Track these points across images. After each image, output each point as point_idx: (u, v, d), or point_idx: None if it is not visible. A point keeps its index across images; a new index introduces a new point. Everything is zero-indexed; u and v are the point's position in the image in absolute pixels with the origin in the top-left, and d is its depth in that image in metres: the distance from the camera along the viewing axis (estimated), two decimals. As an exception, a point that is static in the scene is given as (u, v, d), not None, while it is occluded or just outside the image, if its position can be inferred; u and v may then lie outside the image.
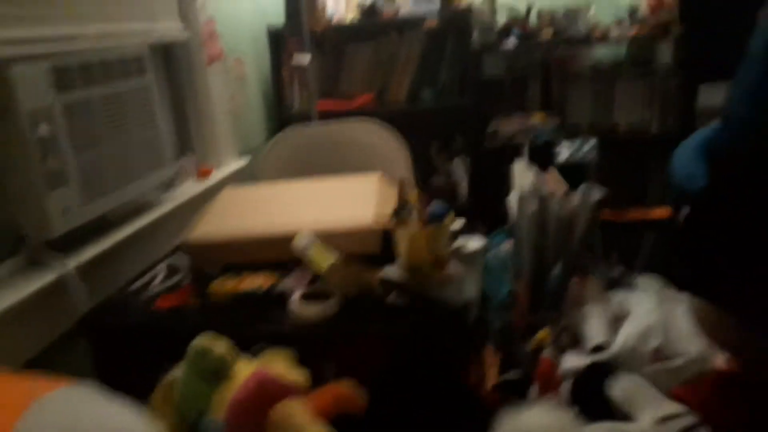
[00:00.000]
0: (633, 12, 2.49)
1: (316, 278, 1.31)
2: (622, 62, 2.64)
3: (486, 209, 2.53)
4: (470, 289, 1.29)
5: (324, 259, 1.19)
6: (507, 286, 1.65)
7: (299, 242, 1.21)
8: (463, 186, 2.81)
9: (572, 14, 2.49)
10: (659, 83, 2.56)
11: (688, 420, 0.59)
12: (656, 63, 2.61)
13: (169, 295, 1.39)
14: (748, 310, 0.57)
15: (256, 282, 1.30)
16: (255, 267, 1.36)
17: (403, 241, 1.21)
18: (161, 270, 1.53)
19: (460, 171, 2.83)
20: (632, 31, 2.48)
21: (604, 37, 2.50)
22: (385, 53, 2.73)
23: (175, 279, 1.46)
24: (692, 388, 0.66)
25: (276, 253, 1.32)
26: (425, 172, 2.86)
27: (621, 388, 0.80)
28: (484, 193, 2.68)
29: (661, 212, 2.60)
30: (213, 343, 1.05)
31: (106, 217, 1.71)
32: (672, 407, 0.62)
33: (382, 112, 2.60)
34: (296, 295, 1.24)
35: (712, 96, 2.60)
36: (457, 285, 1.29)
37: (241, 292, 1.29)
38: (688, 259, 0.65)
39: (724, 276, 0.58)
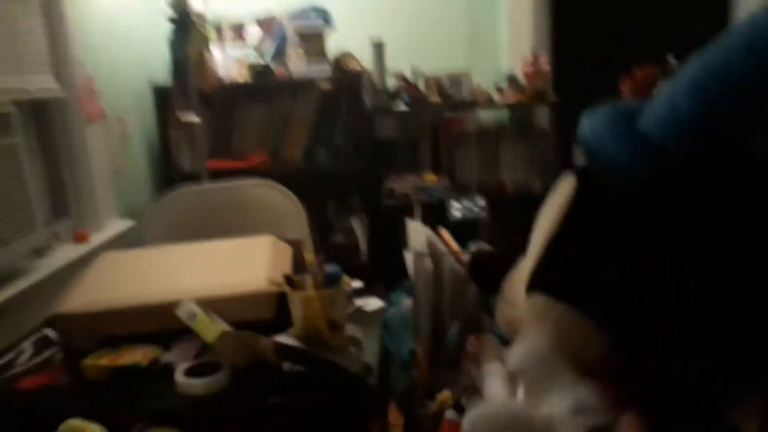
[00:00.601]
0: (512, 79, 2.66)
1: (204, 349, 1.22)
2: (505, 125, 2.80)
3: (386, 266, 2.53)
4: (370, 351, 1.25)
5: (210, 330, 1.11)
6: (408, 345, 1.63)
7: (182, 312, 1.13)
8: (362, 244, 2.80)
9: (456, 80, 2.62)
10: (539, 145, 2.72)
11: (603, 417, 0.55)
12: (535, 126, 2.78)
13: (36, 374, 1.24)
14: (624, 326, 0.54)
15: (135, 356, 1.19)
16: (135, 339, 1.24)
17: (297, 305, 1.16)
18: (27, 346, 1.37)
19: (358, 229, 2.83)
20: (512, 98, 2.64)
21: (487, 103, 2.65)
22: (279, 113, 2.72)
23: (44, 356, 1.31)
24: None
25: (157, 324, 1.22)
26: (323, 231, 2.84)
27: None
28: (382, 250, 2.69)
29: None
30: (84, 428, 0.94)
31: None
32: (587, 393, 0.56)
33: (276, 171, 2.56)
34: (181, 369, 1.15)
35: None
36: (356, 348, 1.25)
37: (119, 367, 1.17)
38: (568, 255, 0.59)
39: (606, 283, 0.55)
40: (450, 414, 1.23)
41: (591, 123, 0.59)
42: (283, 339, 1.18)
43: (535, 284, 0.59)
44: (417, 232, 1.54)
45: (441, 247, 1.47)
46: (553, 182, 2.64)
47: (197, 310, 1.15)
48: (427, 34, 2.87)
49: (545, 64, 2.63)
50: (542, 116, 2.81)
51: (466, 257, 1.40)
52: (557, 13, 2.92)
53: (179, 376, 1.14)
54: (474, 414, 0.51)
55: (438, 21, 2.87)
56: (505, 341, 1.36)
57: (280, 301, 1.25)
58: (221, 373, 1.13)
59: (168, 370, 1.17)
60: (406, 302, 1.70)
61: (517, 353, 0.56)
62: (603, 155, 0.54)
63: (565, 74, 2.82)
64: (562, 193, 0.60)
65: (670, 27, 2.98)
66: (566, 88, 2.66)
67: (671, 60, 2.57)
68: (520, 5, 2.79)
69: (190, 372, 1.15)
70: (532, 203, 2.76)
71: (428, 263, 1.40)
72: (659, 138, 0.53)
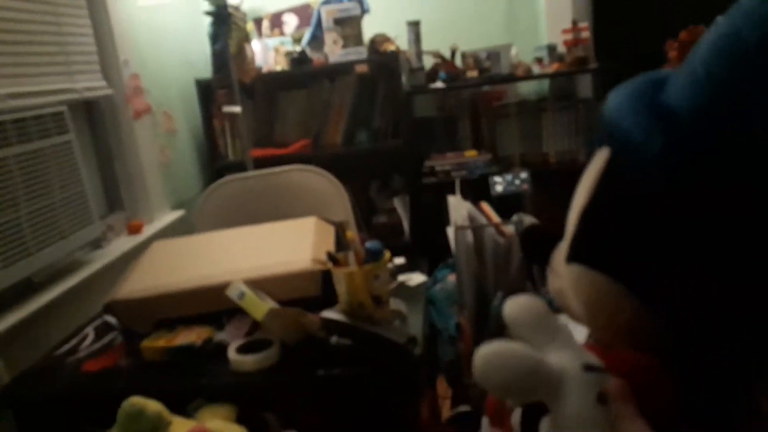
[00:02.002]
0: (552, 49, 2.61)
1: (255, 327, 1.26)
2: (546, 97, 2.75)
3: (429, 244, 2.54)
4: (414, 324, 1.27)
5: (259, 307, 1.15)
6: (454, 319, 1.64)
7: (231, 292, 1.17)
8: (406, 223, 2.82)
9: (494, 55, 2.59)
10: (582, 114, 2.67)
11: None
12: (577, 96, 2.72)
13: (99, 357, 1.31)
14: (661, 297, 0.54)
15: (190, 336, 1.25)
16: (189, 321, 1.30)
17: (341, 281, 1.19)
18: (90, 332, 1.44)
19: (401, 209, 2.85)
20: (552, 68, 2.59)
21: (526, 75, 2.60)
22: (318, 99, 2.75)
23: (105, 340, 1.39)
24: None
25: (209, 305, 1.27)
26: (367, 212, 2.87)
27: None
28: (426, 228, 2.70)
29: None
30: (144, 405, 0.99)
31: (30, 280, 1.62)
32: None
33: (319, 156, 2.60)
34: (233, 347, 1.19)
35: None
36: (401, 321, 1.27)
37: (175, 347, 1.23)
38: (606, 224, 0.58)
39: (643, 256, 0.54)
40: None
41: (614, 97, 0.58)
42: (330, 314, 1.21)
43: (572, 255, 0.59)
44: (457, 207, 1.54)
45: (482, 219, 1.47)
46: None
47: (246, 289, 1.19)
48: (464, 12, 2.84)
49: (586, 31, 2.57)
50: (584, 84, 2.74)
51: (507, 229, 1.40)
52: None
53: (232, 354, 1.18)
54: (487, 350, 0.50)
55: (474, -1, 2.84)
56: (555, 308, 1.36)
57: (325, 278, 1.28)
58: (271, 349, 1.17)
59: (221, 348, 1.22)
60: (451, 278, 1.71)
61: (512, 305, 0.56)
62: (619, 131, 0.53)
63: (607, 41, 2.74)
64: (595, 164, 0.59)
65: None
66: (609, 55, 2.59)
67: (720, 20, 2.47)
68: (557, -27, 2.72)
69: (242, 349, 1.20)
70: (576, 174, 2.74)
71: (469, 236, 1.40)
72: (678, 108, 0.51)
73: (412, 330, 1.25)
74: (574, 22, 2.59)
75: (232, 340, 1.24)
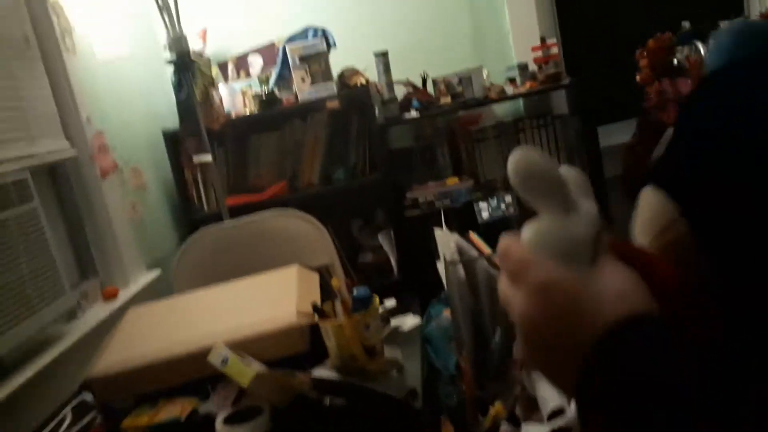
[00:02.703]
0: (523, 68, 2.59)
1: (243, 393, 1.18)
2: (522, 116, 2.72)
3: (420, 279, 2.47)
4: (412, 372, 1.20)
5: (244, 373, 1.06)
6: (453, 357, 1.57)
7: (214, 358, 1.09)
8: (393, 260, 2.75)
9: (466, 79, 2.56)
10: (560, 131, 2.64)
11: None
12: (553, 112, 2.70)
13: (78, 441, 1.22)
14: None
15: (174, 410, 1.15)
16: (172, 392, 1.21)
17: (330, 334, 1.11)
18: (68, 414, 1.34)
19: (386, 245, 2.78)
20: (526, 87, 2.57)
21: (500, 96, 2.58)
22: (291, 140, 2.70)
23: (84, 422, 1.29)
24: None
25: (192, 373, 1.18)
26: (351, 252, 2.80)
27: None
28: (414, 263, 2.64)
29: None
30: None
31: (1, 361, 1.52)
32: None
33: (296, 198, 2.54)
34: (221, 418, 1.10)
35: (611, 137, 2.72)
36: (398, 371, 1.19)
37: (158, 424, 1.14)
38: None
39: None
40: (505, 428, 1.16)
41: (720, 38, 0.57)
42: (320, 372, 1.13)
43: (652, 176, 0.56)
44: (444, 240, 1.48)
45: (471, 251, 1.41)
46: (578, 167, 2.58)
47: (229, 354, 1.11)
48: (430, 38, 2.82)
49: (555, 47, 2.55)
50: (558, 100, 2.73)
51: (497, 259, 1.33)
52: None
53: (219, 426, 1.09)
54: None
55: (440, 24, 2.82)
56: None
57: (313, 331, 1.21)
58: (261, 418, 1.09)
59: (208, 420, 1.13)
60: (446, 313, 1.64)
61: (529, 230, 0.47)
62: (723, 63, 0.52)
63: (576, 55, 2.74)
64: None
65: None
66: (579, 69, 2.58)
67: (686, 25, 2.48)
68: (520, -7, 2.72)
69: (230, 420, 1.11)
70: (561, 192, 2.72)
71: (460, 271, 1.33)
72: None
73: (410, 380, 1.17)
74: (543, 39, 2.58)
75: (219, 410, 1.15)
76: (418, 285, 2.50)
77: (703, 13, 2.50)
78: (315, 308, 1.13)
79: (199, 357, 1.14)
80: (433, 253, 2.50)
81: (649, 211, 0.53)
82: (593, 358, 0.37)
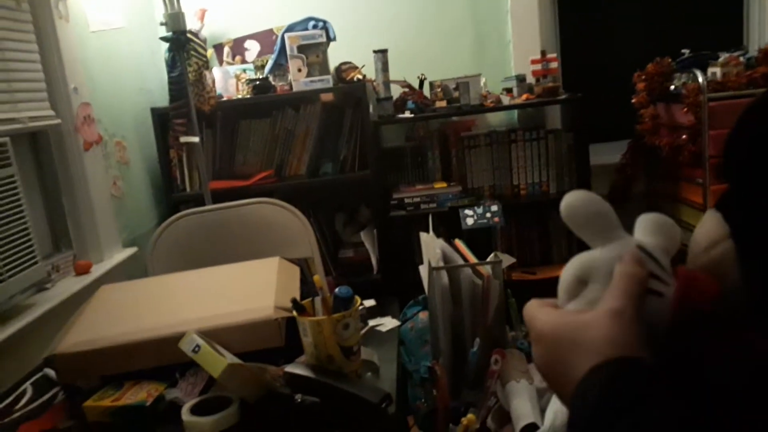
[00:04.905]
0: (521, 80, 2.58)
1: (211, 383, 1.15)
2: (516, 128, 2.72)
3: (399, 280, 2.45)
4: (387, 375, 1.17)
5: (216, 363, 1.03)
6: (426, 360, 1.54)
7: (185, 345, 1.06)
8: (374, 258, 2.72)
9: (464, 85, 2.55)
10: (552, 145, 2.64)
11: None
12: (546, 127, 2.70)
13: (37, 419, 1.17)
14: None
15: (139, 394, 1.12)
16: (138, 376, 1.17)
17: (308, 331, 1.08)
18: (28, 388, 1.30)
19: (368, 243, 2.75)
20: (522, 98, 2.56)
21: (496, 106, 2.57)
22: (281, 129, 2.66)
23: (45, 398, 1.24)
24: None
25: (161, 359, 1.15)
26: (333, 247, 2.77)
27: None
28: (395, 263, 2.62)
29: (567, 270, 2.63)
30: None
31: (-38, 330, 1.47)
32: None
33: (282, 188, 2.50)
34: (187, 406, 1.07)
35: (601, 155, 2.72)
36: (373, 374, 1.17)
37: (121, 407, 1.10)
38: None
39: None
40: (477, 439, 1.14)
41: None
42: (294, 368, 1.10)
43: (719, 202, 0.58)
44: (430, 245, 1.46)
45: (456, 258, 1.39)
46: (568, 183, 2.59)
47: (201, 342, 1.08)
48: (432, 41, 2.81)
49: (555, 62, 2.55)
50: (553, 115, 2.73)
51: (485, 270, 1.32)
52: (562, 11, 2.84)
53: (186, 415, 1.06)
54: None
55: (442, 28, 2.81)
56: (530, 356, 1.28)
57: (290, 326, 1.18)
58: (230, 409, 1.06)
59: (174, 407, 1.10)
60: (422, 315, 1.62)
61: (570, 197, 0.53)
62: None
63: (575, 72, 2.74)
64: None
65: (676, 21, 2.90)
66: (576, 86, 2.58)
67: (685, 53, 2.48)
68: (525, 6, 2.71)
69: (197, 409, 1.07)
70: (547, 206, 2.72)
71: (444, 277, 1.32)
72: None
73: (386, 383, 1.15)
74: (543, 53, 2.57)
75: (186, 398, 1.12)
76: (396, 285, 2.49)
77: (703, 43, 2.51)
78: (295, 303, 1.10)
79: (170, 342, 1.10)
80: (415, 255, 2.48)
81: (704, 229, 0.55)
82: (576, 394, 0.45)
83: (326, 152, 2.66)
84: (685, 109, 2.30)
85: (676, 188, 2.54)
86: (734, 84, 2.25)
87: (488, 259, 1.33)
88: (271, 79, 2.56)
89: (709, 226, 0.54)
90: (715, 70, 2.31)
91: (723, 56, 2.39)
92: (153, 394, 1.12)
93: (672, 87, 2.46)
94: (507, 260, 1.34)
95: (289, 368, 1.09)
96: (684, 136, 2.35)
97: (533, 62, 2.57)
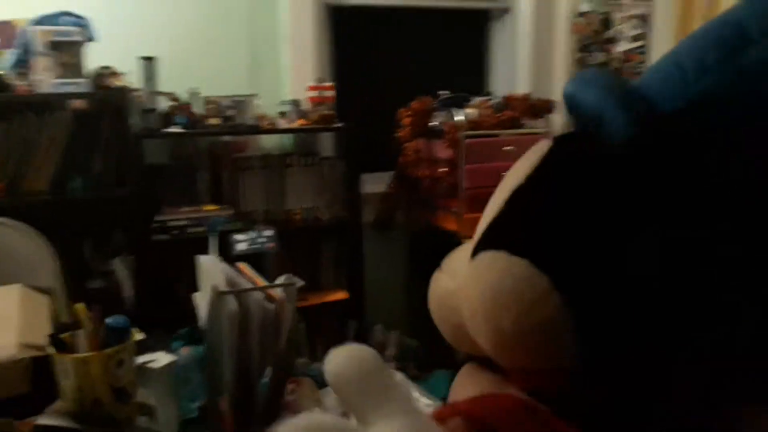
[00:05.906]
0: (296, 105, 2.57)
1: None
2: (290, 152, 2.69)
3: (159, 312, 2.21)
4: (167, 419, 1.02)
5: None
6: (197, 399, 1.39)
7: None
8: (128, 288, 2.43)
9: (239, 104, 2.45)
10: (326, 172, 2.67)
11: None
12: (321, 153, 2.72)
13: None
14: None
15: None
16: None
17: (69, 372, 0.88)
18: None
19: (121, 272, 2.45)
20: (297, 123, 2.55)
21: (272, 128, 2.52)
22: (19, 135, 2.25)
23: None
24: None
25: None
26: (79, 275, 2.40)
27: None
28: (154, 293, 2.37)
29: (337, 295, 2.67)
30: None
31: None
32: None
33: (16, 206, 2.10)
34: None
35: (372, 184, 2.84)
36: (149, 417, 1.00)
37: None
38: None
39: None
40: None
41: (578, 80, 0.52)
42: (49, 419, 0.89)
43: (491, 239, 0.51)
44: (212, 269, 1.33)
45: (244, 283, 1.28)
46: (340, 211, 2.63)
47: None
48: (207, 57, 2.65)
49: (331, 90, 2.60)
50: (328, 142, 2.77)
51: (276, 293, 1.23)
52: (338, 41, 2.92)
53: None
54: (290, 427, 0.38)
55: (216, 42, 2.67)
56: (323, 383, 1.22)
57: (37, 368, 0.96)
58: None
59: None
60: (183, 351, 1.45)
61: (335, 356, 0.43)
62: (595, 116, 0.48)
63: (348, 102, 2.83)
64: (535, 152, 0.53)
65: (440, 61, 3.19)
66: (351, 116, 2.66)
67: (443, 94, 2.75)
68: (302, 32, 2.72)
69: None
70: (320, 232, 2.73)
71: (232, 303, 1.20)
72: (658, 99, 0.48)
73: (165, 427, 1.00)
74: (320, 80, 2.60)
75: None
76: (158, 318, 2.24)
77: (457, 85, 2.82)
78: (54, 338, 0.90)
79: None
80: (180, 284, 2.27)
81: (507, 283, 0.47)
82: None
83: (76, 166, 2.32)
84: (447, 144, 2.52)
85: (434, 217, 2.75)
86: (487, 124, 2.55)
87: (281, 281, 1.25)
88: (10, 77, 2.16)
89: (521, 277, 0.48)
90: (470, 111, 2.58)
91: (474, 99, 2.70)
92: None
93: (432, 124, 2.68)
94: (298, 282, 1.27)
95: (43, 420, 0.87)
96: (444, 169, 2.56)
97: (310, 89, 2.58)
